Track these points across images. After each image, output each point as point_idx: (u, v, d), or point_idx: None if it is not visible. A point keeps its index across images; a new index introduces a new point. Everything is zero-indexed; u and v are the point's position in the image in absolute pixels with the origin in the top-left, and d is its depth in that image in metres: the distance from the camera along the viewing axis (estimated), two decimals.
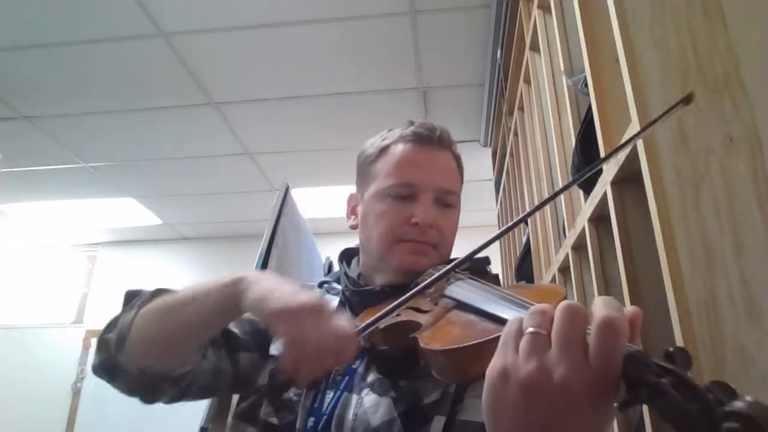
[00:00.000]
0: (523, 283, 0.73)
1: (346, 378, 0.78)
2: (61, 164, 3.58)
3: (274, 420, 0.77)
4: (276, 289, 0.65)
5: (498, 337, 0.46)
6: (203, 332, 0.76)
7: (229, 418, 0.86)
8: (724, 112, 0.70)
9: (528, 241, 2.05)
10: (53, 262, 5.23)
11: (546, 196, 1.68)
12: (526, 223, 2.10)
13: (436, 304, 0.68)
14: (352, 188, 0.94)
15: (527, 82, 1.95)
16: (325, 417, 0.74)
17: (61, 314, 5.05)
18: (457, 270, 0.71)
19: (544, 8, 1.61)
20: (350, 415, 0.73)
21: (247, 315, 0.84)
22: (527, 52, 1.88)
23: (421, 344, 0.59)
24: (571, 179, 1.30)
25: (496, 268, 3.10)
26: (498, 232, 0.61)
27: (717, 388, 0.36)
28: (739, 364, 0.60)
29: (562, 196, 1.42)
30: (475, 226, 4.59)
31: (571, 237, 1.28)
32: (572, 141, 1.26)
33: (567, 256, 1.33)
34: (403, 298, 0.61)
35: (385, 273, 0.84)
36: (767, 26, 0.73)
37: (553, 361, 0.41)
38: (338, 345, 0.60)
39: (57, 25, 2.36)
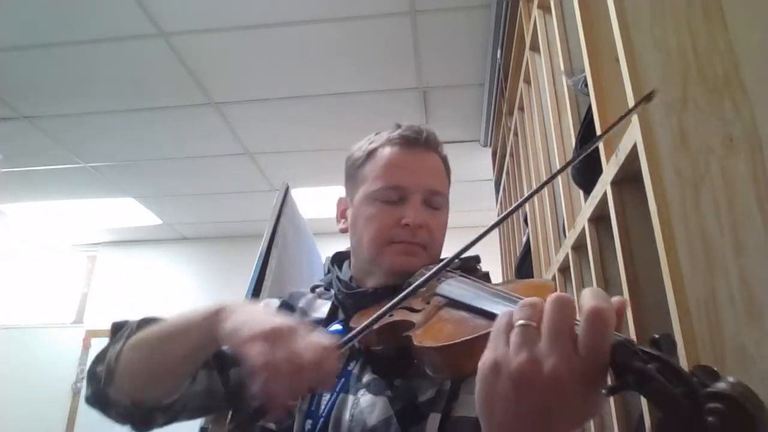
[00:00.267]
0: (514, 279, 0.73)
1: (342, 380, 0.78)
2: (61, 164, 3.58)
3: (272, 426, 0.78)
4: (250, 319, 0.64)
5: (489, 332, 0.46)
6: (187, 365, 0.76)
7: (228, 426, 0.87)
8: (724, 112, 0.70)
9: (528, 241, 2.05)
10: (53, 262, 5.23)
11: (546, 196, 1.68)
12: (526, 223, 2.10)
13: (428, 303, 0.69)
14: None
15: (527, 82, 1.96)
16: (322, 419, 0.75)
17: (61, 314, 5.05)
18: (447, 269, 0.72)
19: (544, 8, 1.61)
20: (347, 415, 0.74)
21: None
22: (527, 52, 1.88)
23: (415, 342, 0.60)
24: (570, 179, 1.30)
25: (496, 268, 3.10)
26: (485, 228, 0.62)
27: (701, 372, 0.37)
28: (739, 364, 0.60)
29: (562, 196, 1.42)
30: (475, 226, 4.60)
31: (571, 237, 1.28)
32: (572, 141, 1.26)
33: (567, 256, 1.33)
34: (395, 300, 0.61)
35: (376, 275, 0.84)
36: (767, 26, 0.73)
37: (543, 353, 0.41)
38: (315, 359, 0.59)
39: (57, 25, 2.36)
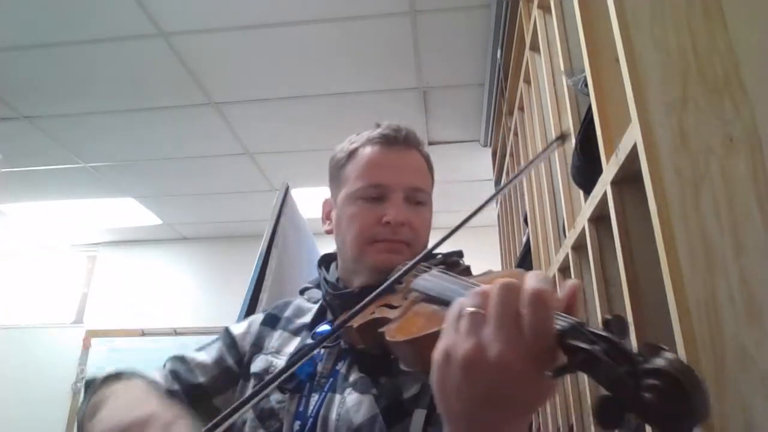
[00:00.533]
0: (490, 270, 0.73)
1: (330, 380, 0.79)
2: (61, 164, 3.58)
3: (261, 431, 0.79)
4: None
5: None
6: None
7: None
8: (724, 112, 0.70)
9: (528, 241, 2.05)
10: (53, 262, 5.23)
11: (546, 196, 1.68)
12: (527, 223, 2.10)
13: (405, 298, 0.70)
14: None
15: (527, 82, 1.95)
16: (311, 420, 0.75)
17: (61, 314, 5.05)
18: (426, 265, 0.73)
19: (544, 8, 1.61)
20: (334, 415, 0.74)
21: (202, 358, 0.87)
22: (527, 52, 1.88)
23: (387, 338, 0.61)
24: (570, 179, 1.30)
25: (496, 268, 3.11)
26: (458, 223, 0.63)
27: (647, 350, 0.37)
28: (739, 364, 0.60)
29: (562, 196, 1.42)
30: (475, 226, 4.61)
31: (571, 237, 1.28)
32: (572, 141, 1.26)
33: (567, 256, 1.33)
34: (365, 300, 0.62)
35: (361, 274, 0.85)
36: (767, 26, 0.73)
37: (488, 338, 0.42)
38: None
39: (57, 25, 2.36)
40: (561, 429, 1.53)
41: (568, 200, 1.38)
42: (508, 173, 2.70)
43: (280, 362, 0.84)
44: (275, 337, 0.90)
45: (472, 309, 0.44)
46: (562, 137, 0.69)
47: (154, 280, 4.98)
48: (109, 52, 2.53)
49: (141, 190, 4.08)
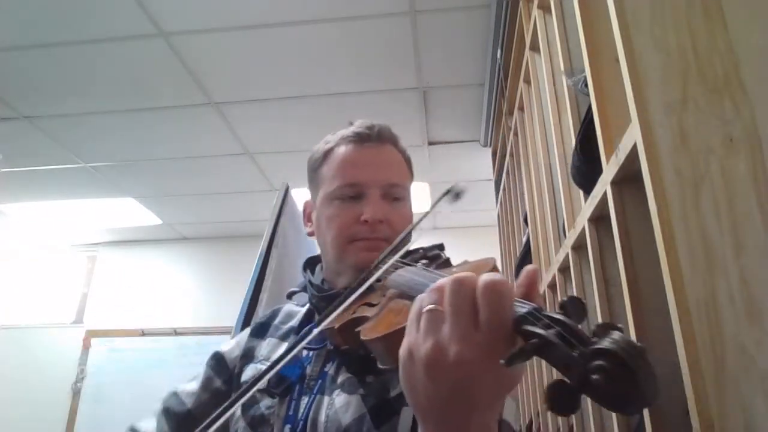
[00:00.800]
0: (466, 260, 0.74)
1: (319, 382, 0.79)
2: (61, 164, 3.58)
3: None
4: None
5: None
6: None
7: None
8: (724, 112, 0.70)
9: (528, 241, 2.05)
10: (53, 262, 5.23)
11: (546, 196, 1.68)
12: (527, 223, 2.10)
13: (384, 295, 0.70)
14: None
15: (527, 82, 1.96)
16: (301, 423, 0.75)
17: (61, 314, 5.05)
18: (407, 261, 0.73)
19: (544, 8, 1.61)
20: (322, 417, 0.74)
21: (191, 387, 0.88)
22: (527, 52, 1.88)
23: (362, 337, 0.61)
24: (570, 179, 1.30)
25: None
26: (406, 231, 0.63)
27: (600, 330, 0.36)
28: (739, 364, 0.60)
29: (562, 196, 1.42)
30: (475, 226, 4.62)
31: (571, 237, 1.28)
32: (572, 141, 1.26)
33: (567, 256, 1.33)
34: (344, 305, 0.62)
35: (345, 274, 0.85)
36: (767, 26, 0.73)
37: (446, 337, 0.43)
38: None
39: (57, 25, 2.36)
40: (561, 429, 1.53)
41: (568, 200, 1.38)
42: (508, 173, 2.70)
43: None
44: (264, 346, 0.91)
45: (430, 307, 0.44)
46: (457, 193, 0.69)
47: (154, 280, 4.98)
48: (109, 52, 2.53)
49: (141, 190, 4.08)
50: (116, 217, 4.55)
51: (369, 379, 0.75)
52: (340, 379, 0.78)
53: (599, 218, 1.05)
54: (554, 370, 0.38)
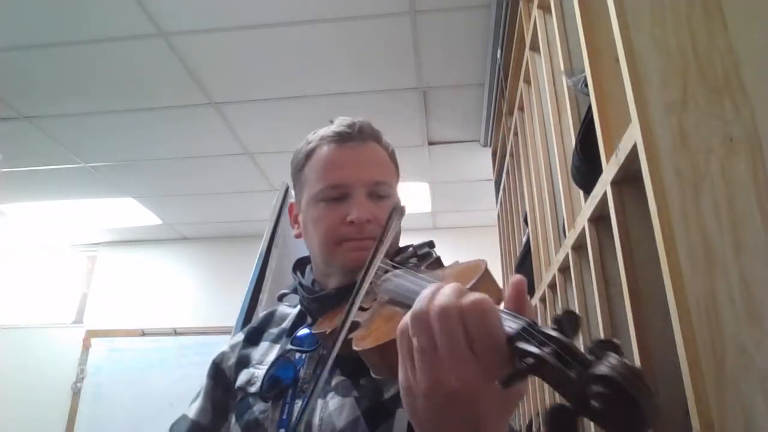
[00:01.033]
0: (456, 262, 0.72)
1: (313, 384, 0.77)
2: (61, 164, 3.58)
3: None
4: None
5: None
6: None
7: None
8: (724, 112, 0.70)
9: (528, 241, 2.05)
10: (53, 262, 5.23)
11: (546, 196, 1.68)
12: (527, 223, 2.10)
13: (375, 299, 0.69)
14: None
15: (527, 82, 1.95)
16: (295, 426, 0.75)
17: (61, 314, 5.05)
18: (395, 261, 0.73)
19: (544, 8, 1.61)
20: (316, 420, 0.74)
21: (197, 406, 0.88)
22: (527, 52, 1.88)
23: (354, 347, 0.60)
24: (570, 179, 1.30)
25: (496, 268, 3.11)
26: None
27: (599, 349, 0.36)
28: (739, 364, 0.60)
29: (562, 196, 1.42)
30: (475, 226, 4.62)
31: (571, 237, 1.28)
32: (572, 141, 1.26)
33: (567, 256, 1.33)
34: (345, 320, 0.62)
35: (335, 276, 0.84)
36: (767, 26, 0.73)
37: (443, 368, 0.42)
38: None
39: (57, 25, 2.36)
40: None
41: (568, 200, 1.38)
42: (508, 173, 2.70)
43: (261, 371, 0.83)
44: (258, 350, 0.90)
45: (418, 342, 0.44)
46: (400, 211, 0.69)
47: (154, 280, 4.98)
48: (108, 52, 2.53)
49: (141, 190, 4.08)
50: (116, 217, 4.55)
51: (363, 382, 0.74)
52: (333, 382, 0.77)
53: (599, 218, 1.05)
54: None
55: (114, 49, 2.51)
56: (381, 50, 2.56)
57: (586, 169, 1.11)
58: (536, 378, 0.38)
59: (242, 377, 0.86)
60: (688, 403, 0.62)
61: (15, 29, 2.38)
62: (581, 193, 1.27)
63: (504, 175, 2.87)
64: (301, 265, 0.96)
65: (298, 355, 0.82)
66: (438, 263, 0.80)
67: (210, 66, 2.66)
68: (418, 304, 0.46)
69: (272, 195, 2.13)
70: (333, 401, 0.74)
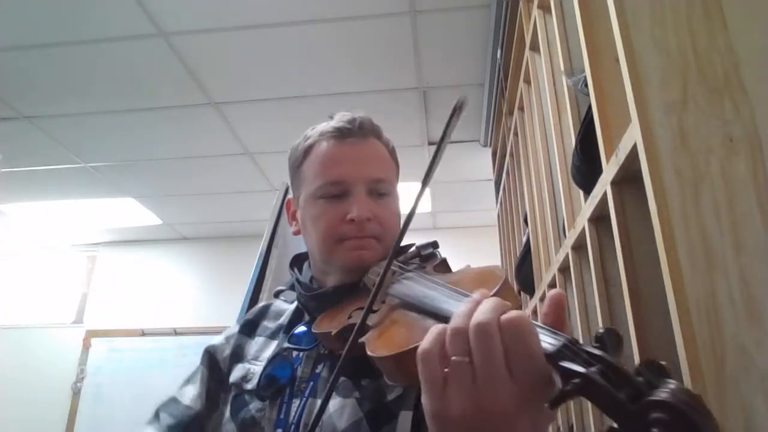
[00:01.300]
0: (467, 266, 0.70)
1: (311, 384, 0.76)
2: (61, 164, 3.58)
3: None
4: None
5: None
6: None
7: None
8: (724, 112, 0.70)
9: (528, 241, 2.05)
10: (53, 262, 5.23)
11: (546, 196, 1.68)
12: (527, 224, 2.10)
13: (383, 302, 0.67)
14: None
15: (527, 82, 1.96)
16: (293, 427, 0.73)
17: (61, 314, 5.05)
18: (400, 262, 0.72)
19: (544, 8, 1.61)
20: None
21: (190, 392, 0.86)
22: (527, 52, 1.88)
23: (368, 352, 0.58)
24: (570, 179, 1.30)
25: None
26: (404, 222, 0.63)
27: (647, 370, 0.35)
28: (739, 364, 0.60)
29: (562, 196, 1.42)
30: (475, 226, 4.62)
31: (571, 237, 1.28)
32: (572, 141, 1.26)
33: (567, 256, 1.33)
34: (361, 318, 0.60)
35: (334, 274, 0.83)
36: (767, 26, 0.73)
37: (482, 391, 0.40)
38: None
39: (57, 25, 2.36)
40: (561, 429, 1.53)
41: (568, 200, 1.38)
42: (508, 173, 2.70)
43: (257, 368, 0.81)
44: (253, 345, 0.88)
45: (457, 360, 0.41)
46: (460, 105, 0.66)
47: (154, 280, 4.98)
48: (108, 52, 2.53)
49: (141, 190, 4.08)
50: (116, 217, 4.55)
51: (364, 383, 0.72)
52: None
53: (599, 218, 1.06)
54: None
55: (114, 49, 2.51)
56: (381, 50, 2.56)
57: (586, 169, 1.11)
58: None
59: (237, 372, 0.84)
60: None
61: (15, 29, 2.38)
62: (581, 193, 1.27)
63: (504, 175, 2.87)
64: (298, 261, 0.94)
65: (295, 353, 0.81)
66: (445, 265, 0.78)
67: (210, 66, 2.66)
68: (455, 321, 0.43)
69: (272, 195, 2.13)
70: (333, 402, 0.73)
